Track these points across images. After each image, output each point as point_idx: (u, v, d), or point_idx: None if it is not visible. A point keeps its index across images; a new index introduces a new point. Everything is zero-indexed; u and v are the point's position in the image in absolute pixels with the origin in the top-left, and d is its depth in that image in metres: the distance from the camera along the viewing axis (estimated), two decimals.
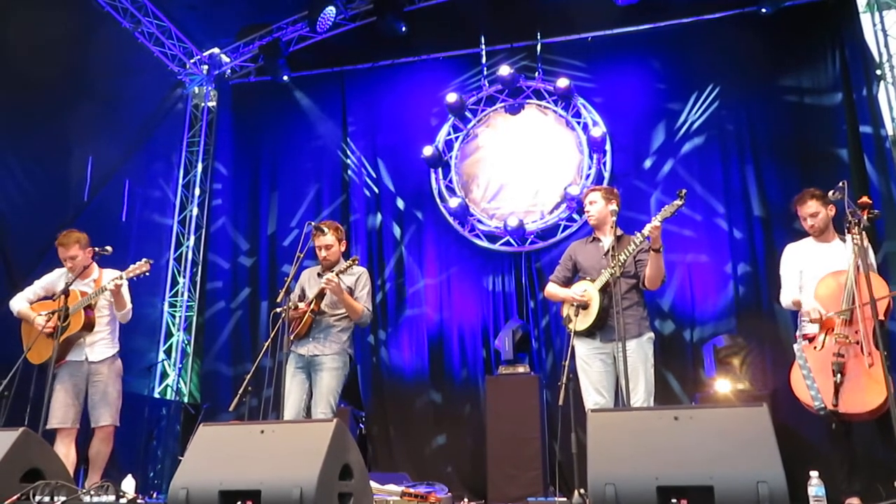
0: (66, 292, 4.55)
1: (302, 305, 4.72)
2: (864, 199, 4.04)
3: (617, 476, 2.58)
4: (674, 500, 2.51)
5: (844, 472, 4.20)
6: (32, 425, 3.81)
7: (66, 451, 4.58)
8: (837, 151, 6.82)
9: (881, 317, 3.94)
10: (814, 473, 3.32)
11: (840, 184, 4.01)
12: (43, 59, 6.70)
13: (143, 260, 4.76)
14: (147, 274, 4.78)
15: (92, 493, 3.37)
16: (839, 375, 3.99)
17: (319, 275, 4.81)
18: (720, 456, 2.55)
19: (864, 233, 3.92)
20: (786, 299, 4.55)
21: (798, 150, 6.94)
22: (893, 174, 6.49)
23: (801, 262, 4.52)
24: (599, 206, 4.50)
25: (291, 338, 4.64)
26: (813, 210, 4.45)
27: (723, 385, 6.11)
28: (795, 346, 4.36)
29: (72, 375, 4.76)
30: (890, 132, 6.80)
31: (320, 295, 4.67)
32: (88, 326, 4.77)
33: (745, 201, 7.04)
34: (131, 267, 4.76)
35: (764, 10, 7.23)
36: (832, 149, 6.85)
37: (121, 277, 4.68)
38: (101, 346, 4.87)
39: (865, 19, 7.16)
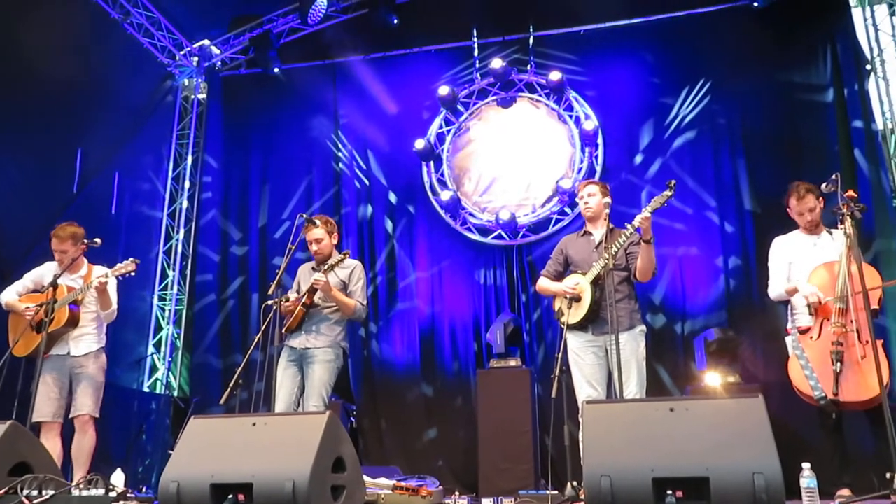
0: (53, 285, 4.51)
1: (293, 297, 4.69)
2: (851, 192, 4.05)
3: (612, 468, 2.57)
4: (669, 492, 2.50)
5: (835, 465, 4.22)
6: (20, 419, 3.76)
7: (51, 445, 4.50)
8: (828, 145, 6.84)
9: (874, 305, 3.95)
10: (806, 465, 3.32)
11: (833, 176, 4.03)
12: (31, 51, 6.60)
13: (130, 259, 4.72)
14: (133, 273, 4.74)
15: (81, 486, 3.34)
16: (839, 364, 4.00)
17: (314, 269, 4.78)
18: (716, 447, 2.54)
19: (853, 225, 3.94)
20: (775, 290, 4.54)
21: (789, 144, 6.97)
22: (885, 168, 6.51)
23: (791, 254, 4.53)
24: (598, 199, 4.48)
25: (283, 331, 4.60)
26: (812, 205, 4.46)
27: (713, 378, 6.11)
28: (788, 339, 4.36)
29: (55, 370, 4.71)
30: (880, 126, 6.83)
31: (312, 290, 4.63)
32: (72, 322, 4.73)
33: (736, 195, 7.07)
34: (117, 266, 4.72)
35: (756, 4, 7.27)
36: (823, 143, 6.87)
37: (106, 276, 4.63)
38: (85, 341, 4.82)
39: (857, 14, 7.19)
